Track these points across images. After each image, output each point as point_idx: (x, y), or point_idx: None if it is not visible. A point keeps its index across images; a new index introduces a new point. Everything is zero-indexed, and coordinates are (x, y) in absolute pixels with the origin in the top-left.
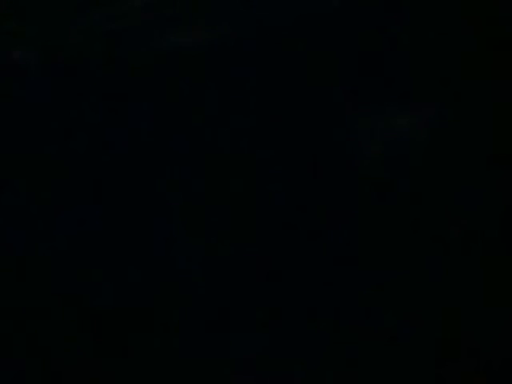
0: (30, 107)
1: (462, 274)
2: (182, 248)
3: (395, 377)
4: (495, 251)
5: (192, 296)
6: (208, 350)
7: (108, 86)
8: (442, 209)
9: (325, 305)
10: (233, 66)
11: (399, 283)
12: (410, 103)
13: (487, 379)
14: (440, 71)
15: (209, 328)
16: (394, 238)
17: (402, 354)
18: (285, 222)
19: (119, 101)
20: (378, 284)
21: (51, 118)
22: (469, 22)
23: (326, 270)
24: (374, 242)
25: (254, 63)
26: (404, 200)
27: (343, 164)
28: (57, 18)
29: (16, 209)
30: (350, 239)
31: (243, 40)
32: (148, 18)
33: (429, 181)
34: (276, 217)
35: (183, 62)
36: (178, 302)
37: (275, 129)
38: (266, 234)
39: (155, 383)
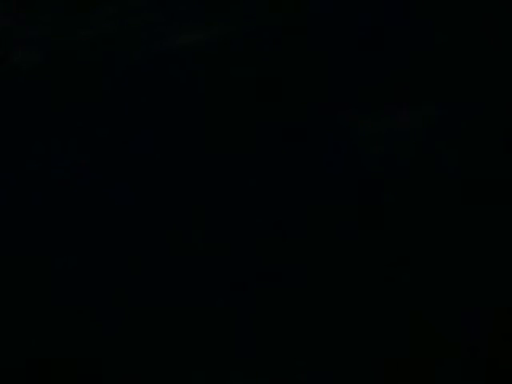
0: (29, 107)
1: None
2: None
3: None
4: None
5: None
6: None
7: (108, 85)
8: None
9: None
10: (233, 65)
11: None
12: (409, 103)
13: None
14: (440, 71)
15: None
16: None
17: None
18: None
19: (119, 100)
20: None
21: (51, 118)
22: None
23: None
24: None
25: (253, 62)
26: (402, 200)
27: (342, 163)
28: (57, 17)
29: None
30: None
31: (242, 39)
32: (148, 18)
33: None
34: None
35: (183, 61)
36: None
37: (275, 125)
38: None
39: None
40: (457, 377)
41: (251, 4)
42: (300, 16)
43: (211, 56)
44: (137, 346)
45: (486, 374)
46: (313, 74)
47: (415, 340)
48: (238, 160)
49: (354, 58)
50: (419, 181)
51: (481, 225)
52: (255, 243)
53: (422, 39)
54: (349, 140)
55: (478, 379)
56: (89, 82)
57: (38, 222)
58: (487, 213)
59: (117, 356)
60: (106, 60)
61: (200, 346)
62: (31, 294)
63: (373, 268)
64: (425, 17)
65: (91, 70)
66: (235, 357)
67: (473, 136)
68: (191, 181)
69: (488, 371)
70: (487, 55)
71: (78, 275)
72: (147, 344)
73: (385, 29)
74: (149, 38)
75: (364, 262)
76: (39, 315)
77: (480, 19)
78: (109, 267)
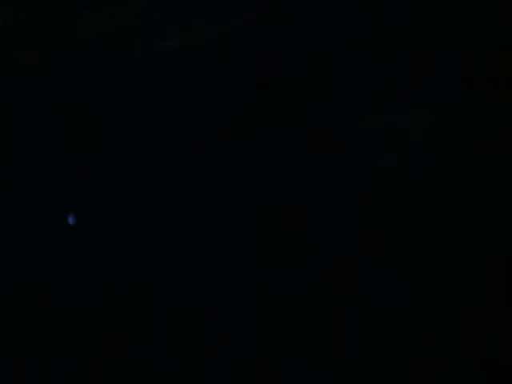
0: (29, 107)
1: None
2: None
3: None
4: None
5: None
6: None
7: (108, 85)
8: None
9: None
10: (233, 65)
11: None
12: (409, 103)
13: None
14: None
15: None
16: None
17: None
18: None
19: (119, 100)
20: None
21: (51, 118)
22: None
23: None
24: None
25: (253, 62)
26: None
27: (342, 163)
28: (57, 17)
29: None
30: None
31: (242, 39)
32: (148, 18)
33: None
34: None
35: (183, 61)
36: None
37: (275, 124)
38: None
39: None
40: (457, 376)
41: (251, 4)
42: (300, 16)
43: (211, 56)
44: (136, 345)
45: (486, 373)
46: (313, 74)
47: (415, 340)
48: (238, 160)
49: (354, 58)
50: (420, 180)
51: (481, 224)
52: (255, 243)
53: (421, 39)
54: (349, 140)
55: (478, 377)
56: (89, 82)
57: (38, 222)
58: (488, 212)
59: (116, 356)
60: (106, 60)
61: (200, 345)
62: (31, 295)
63: (373, 268)
64: (424, 17)
65: (91, 70)
66: (235, 357)
67: (473, 135)
68: (191, 181)
69: (488, 371)
70: (487, 55)
71: (77, 275)
72: (147, 344)
73: (385, 29)
74: (149, 37)
75: (364, 262)
76: (39, 316)
77: (480, 19)
78: (108, 267)
